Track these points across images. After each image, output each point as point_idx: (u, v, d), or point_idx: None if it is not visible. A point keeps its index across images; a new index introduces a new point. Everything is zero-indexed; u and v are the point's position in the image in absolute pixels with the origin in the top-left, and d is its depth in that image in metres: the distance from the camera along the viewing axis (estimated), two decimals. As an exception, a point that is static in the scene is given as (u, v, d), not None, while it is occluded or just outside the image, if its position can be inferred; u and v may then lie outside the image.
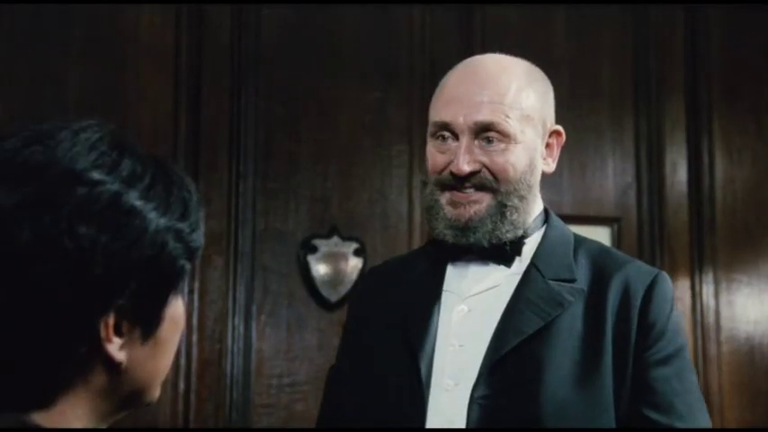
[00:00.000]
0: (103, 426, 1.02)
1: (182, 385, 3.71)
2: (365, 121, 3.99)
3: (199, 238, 1.06)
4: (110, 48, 3.80)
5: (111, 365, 0.98)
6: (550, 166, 1.65)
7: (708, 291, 4.02)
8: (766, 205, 4.17)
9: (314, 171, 3.95)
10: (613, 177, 4.12)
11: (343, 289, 3.87)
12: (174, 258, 1.02)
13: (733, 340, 3.97)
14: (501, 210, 1.59)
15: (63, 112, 3.62)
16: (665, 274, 1.61)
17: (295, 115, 3.96)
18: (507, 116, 1.56)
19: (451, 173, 1.59)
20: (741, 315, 4.06)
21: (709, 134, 4.19)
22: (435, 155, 1.65)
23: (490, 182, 1.59)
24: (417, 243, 3.96)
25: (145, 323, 1.00)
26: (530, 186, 1.61)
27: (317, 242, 3.90)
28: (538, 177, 1.64)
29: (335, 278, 3.88)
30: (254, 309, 3.85)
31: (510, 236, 1.61)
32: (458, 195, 1.59)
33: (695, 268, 4.06)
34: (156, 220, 1.00)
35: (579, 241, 1.67)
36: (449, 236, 1.59)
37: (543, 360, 1.49)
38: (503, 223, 1.60)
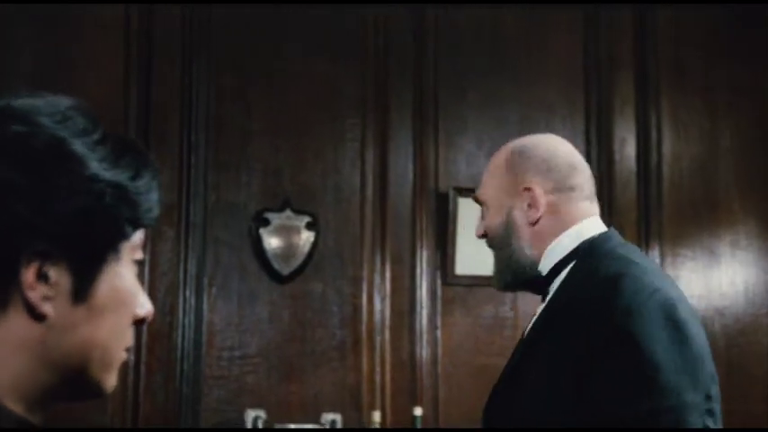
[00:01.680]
0: (41, 410, 0.99)
1: (131, 357, 3.70)
2: (318, 94, 3.99)
3: (149, 202, 1.03)
4: (60, 18, 3.75)
5: (35, 316, 0.95)
6: (532, 217, 1.88)
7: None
8: (712, 181, 4.24)
9: (266, 144, 3.94)
10: (563, 153, 4.15)
11: (296, 262, 3.88)
12: (113, 215, 0.99)
13: (677, 314, 4.05)
14: (498, 260, 1.96)
15: (13, 81, 3.57)
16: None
17: (247, 88, 3.95)
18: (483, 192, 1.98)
19: None
20: (685, 289, 4.10)
21: (657, 111, 4.25)
22: None
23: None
24: (370, 217, 3.98)
25: (74, 278, 0.97)
26: (506, 238, 1.91)
27: (269, 215, 3.89)
28: (519, 229, 1.90)
29: (288, 251, 3.89)
30: (205, 281, 3.84)
31: (509, 279, 1.95)
32: None
33: (642, 243, 4.12)
34: (97, 171, 0.97)
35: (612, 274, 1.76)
36: None
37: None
38: (499, 270, 1.96)
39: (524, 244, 1.90)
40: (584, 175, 1.92)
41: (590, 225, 1.88)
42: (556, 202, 1.88)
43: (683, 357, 1.66)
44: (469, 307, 4.00)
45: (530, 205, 1.88)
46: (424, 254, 3.99)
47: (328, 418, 3.65)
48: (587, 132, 4.18)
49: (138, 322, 1.05)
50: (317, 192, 3.97)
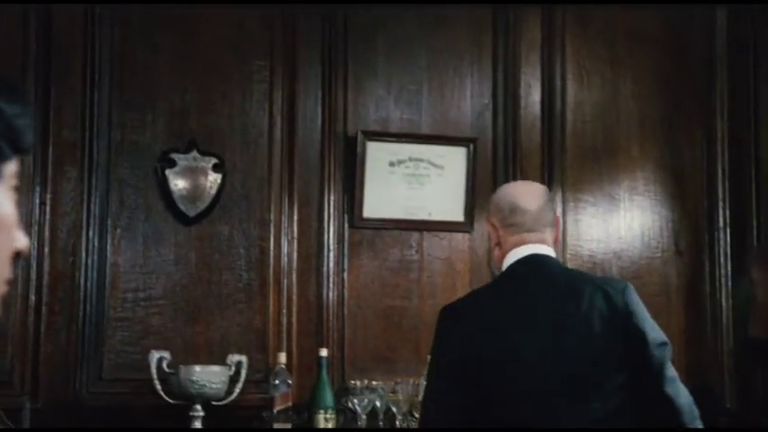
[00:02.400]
0: None
1: (33, 298, 3.65)
2: (226, 34, 3.93)
3: (25, 126, 1.04)
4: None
5: None
6: (494, 248, 2.68)
7: (556, 210, 4.19)
8: (613, 128, 4.34)
9: (172, 83, 3.88)
10: (471, 98, 4.20)
11: (202, 204, 3.84)
12: None
13: (577, 257, 4.17)
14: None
15: None
16: None
17: (153, 25, 3.86)
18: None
19: None
20: (585, 234, 4.26)
21: (562, 57, 4.31)
22: None
23: None
24: (278, 160, 3.96)
25: None
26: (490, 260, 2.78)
27: (175, 156, 3.84)
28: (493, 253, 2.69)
29: (194, 193, 3.85)
30: (109, 222, 3.79)
31: None
32: None
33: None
34: None
35: None
36: None
37: None
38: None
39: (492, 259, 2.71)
40: (523, 214, 2.62)
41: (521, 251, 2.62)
42: (502, 235, 2.64)
43: None
44: (376, 250, 4.04)
45: (490, 237, 2.69)
46: (332, 197, 4.01)
47: (234, 359, 3.66)
48: (494, 78, 4.23)
49: (15, 256, 1.05)
50: (224, 133, 3.93)
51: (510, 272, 2.60)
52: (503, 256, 2.64)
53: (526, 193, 2.68)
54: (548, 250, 2.65)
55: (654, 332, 2.55)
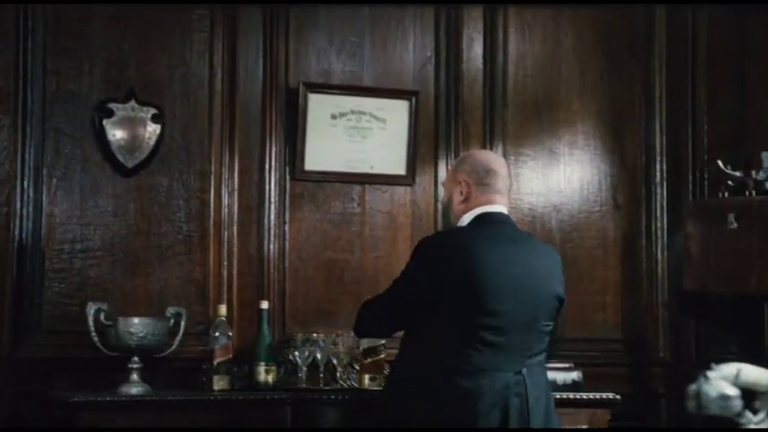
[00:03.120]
0: None
1: (-35, 250, 3.59)
2: (165, -19, 3.85)
3: None
4: None
5: None
6: (460, 200, 2.98)
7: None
8: (554, 83, 4.36)
9: (110, 31, 3.80)
10: (413, 51, 4.18)
11: (141, 155, 3.79)
12: None
13: (517, 211, 4.19)
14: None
15: None
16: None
17: (90, -30, 3.77)
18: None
19: None
20: (525, 187, 4.30)
21: (504, 10, 4.31)
22: None
23: None
24: (218, 111, 3.92)
25: None
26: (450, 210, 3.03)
27: (112, 106, 3.78)
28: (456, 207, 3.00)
29: (132, 143, 3.79)
30: (44, 172, 3.72)
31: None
32: None
33: (487, 142, 4.23)
34: None
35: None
36: None
37: None
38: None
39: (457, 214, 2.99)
40: (496, 177, 2.97)
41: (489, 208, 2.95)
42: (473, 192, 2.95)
43: None
44: (318, 202, 4.03)
45: (461, 192, 2.96)
46: (273, 149, 3.98)
47: (173, 311, 3.64)
48: (437, 31, 4.21)
49: None
50: (164, 84, 3.87)
51: (480, 221, 2.93)
52: (466, 210, 2.96)
53: (498, 160, 3.10)
54: (507, 212, 3.02)
55: (565, 295, 3.01)
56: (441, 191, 3.98)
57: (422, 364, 2.81)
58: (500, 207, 2.98)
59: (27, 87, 3.70)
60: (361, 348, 3.65)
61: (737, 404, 2.03)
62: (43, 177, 3.72)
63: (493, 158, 3.11)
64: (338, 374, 3.74)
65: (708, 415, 2.02)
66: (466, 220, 2.96)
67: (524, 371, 2.81)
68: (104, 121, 3.76)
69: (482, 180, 2.97)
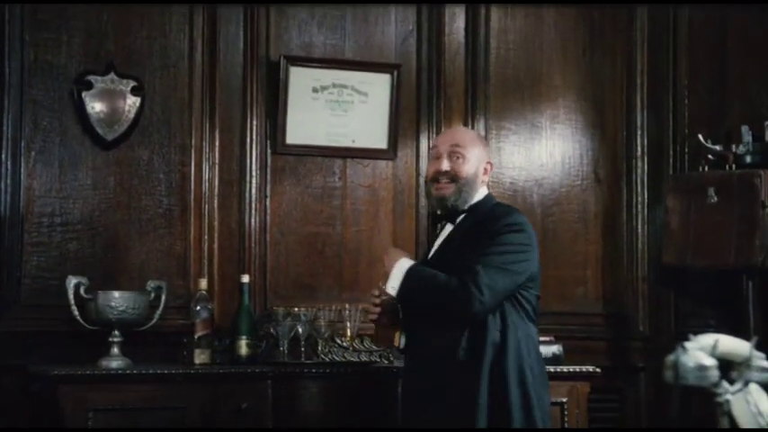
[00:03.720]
0: None
1: (-57, 223, 3.56)
2: (144, -48, 3.81)
3: None
4: None
5: None
6: (485, 180, 3.15)
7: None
8: (536, 57, 4.36)
9: (89, 2, 3.76)
10: (395, 24, 4.17)
11: (120, 128, 3.77)
12: None
13: (499, 185, 4.21)
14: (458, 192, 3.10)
15: None
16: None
17: (68, -60, 3.73)
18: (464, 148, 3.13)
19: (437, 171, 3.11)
20: (507, 161, 4.30)
21: (487, -17, 4.30)
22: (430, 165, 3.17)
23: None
24: (198, 84, 3.89)
25: None
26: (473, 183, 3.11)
27: (91, 78, 3.75)
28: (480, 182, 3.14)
29: (112, 116, 3.77)
30: (22, 145, 3.69)
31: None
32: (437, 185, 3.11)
33: (468, 116, 4.23)
34: None
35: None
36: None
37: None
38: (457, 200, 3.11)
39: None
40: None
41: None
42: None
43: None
44: (299, 176, 4.02)
45: (485, 171, 3.13)
46: (255, 122, 3.96)
47: (153, 285, 3.63)
48: (419, 4, 4.19)
49: None
50: (143, 56, 3.84)
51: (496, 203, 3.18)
52: (481, 186, 3.14)
53: None
54: None
55: None
56: (423, 165, 3.98)
57: (532, 342, 2.97)
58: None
59: (4, 59, 3.67)
60: (343, 324, 3.66)
61: (714, 374, 2.04)
62: (21, 150, 3.69)
63: None
64: (319, 348, 3.75)
65: (685, 385, 2.03)
66: (475, 198, 3.10)
67: None
68: (83, 94, 3.74)
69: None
